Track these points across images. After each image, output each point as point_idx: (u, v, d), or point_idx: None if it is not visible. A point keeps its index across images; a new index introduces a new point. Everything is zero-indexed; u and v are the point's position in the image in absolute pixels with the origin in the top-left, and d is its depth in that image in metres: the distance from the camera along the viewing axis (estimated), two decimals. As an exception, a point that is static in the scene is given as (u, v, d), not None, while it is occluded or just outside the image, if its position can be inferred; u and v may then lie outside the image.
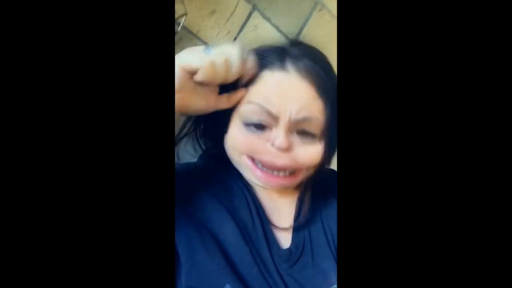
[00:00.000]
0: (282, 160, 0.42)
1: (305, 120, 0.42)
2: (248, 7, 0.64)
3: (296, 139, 0.43)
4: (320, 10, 0.75)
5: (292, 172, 0.45)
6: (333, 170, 0.58)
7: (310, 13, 0.74)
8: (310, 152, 0.43)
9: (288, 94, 0.41)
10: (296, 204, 0.49)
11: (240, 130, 0.43)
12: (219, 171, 0.50)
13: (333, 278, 0.44)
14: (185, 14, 0.52)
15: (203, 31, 0.60)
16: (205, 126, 0.51)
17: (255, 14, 0.65)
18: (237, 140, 0.44)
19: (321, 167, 0.46)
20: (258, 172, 0.44)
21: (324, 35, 0.76)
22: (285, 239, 0.47)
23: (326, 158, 0.45)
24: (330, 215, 0.49)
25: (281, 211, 0.49)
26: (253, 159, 0.44)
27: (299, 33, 0.72)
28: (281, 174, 0.44)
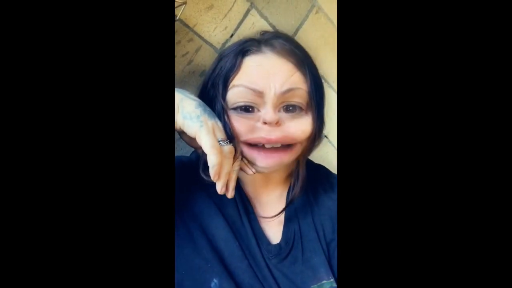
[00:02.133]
0: (275, 134, 0.43)
1: (289, 91, 0.43)
2: (246, 5, 0.64)
3: (284, 115, 0.44)
4: (316, 13, 0.76)
5: (288, 145, 0.45)
6: (322, 166, 0.59)
7: (307, 15, 0.74)
8: (300, 125, 0.45)
9: (269, 72, 0.43)
10: (286, 196, 0.50)
11: (232, 116, 0.44)
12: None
13: (323, 273, 0.45)
14: (185, 2, 0.51)
15: (200, 25, 0.60)
16: None
17: (253, 12, 0.65)
18: (231, 126, 0.44)
19: (313, 139, 0.47)
20: (255, 153, 0.44)
21: (319, 36, 0.77)
22: (275, 235, 0.48)
23: (316, 129, 0.46)
24: (322, 211, 0.50)
25: (271, 205, 0.50)
26: (248, 143, 0.44)
27: (295, 33, 0.73)
28: (278, 147, 0.44)
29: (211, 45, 0.61)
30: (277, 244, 0.46)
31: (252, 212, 0.48)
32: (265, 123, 0.42)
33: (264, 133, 0.43)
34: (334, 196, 0.52)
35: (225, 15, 0.62)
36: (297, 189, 0.47)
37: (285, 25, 0.71)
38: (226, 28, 0.62)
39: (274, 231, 0.48)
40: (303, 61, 0.45)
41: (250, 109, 0.44)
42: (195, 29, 0.59)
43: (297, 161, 0.48)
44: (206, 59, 0.61)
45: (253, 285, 0.42)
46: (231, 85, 0.44)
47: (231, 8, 0.62)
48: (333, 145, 0.88)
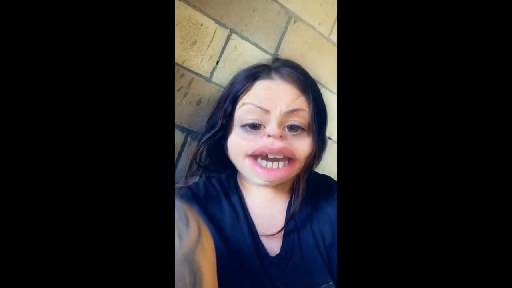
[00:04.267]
0: (277, 145, 0.47)
1: (294, 111, 0.48)
2: (226, 32, 0.69)
3: (287, 133, 0.49)
4: (295, 23, 0.80)
5: (288, 161, 0.49)
6: (326, 176, 0.62)
7: (286, 27, 0.79)
8: (301, 144, 0.49)
9: (276, 94, 0.49)
10: (287, 210, 0.53)
11: (239, 134, 0.50)
12: (215, 190, 0.54)
13: (321, 278, 0.46)
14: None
15: (188, 60, 0.65)
16: (208, 146, 0.56)
17: (233, 36, 0.70)
18: (237, 142, 0.50)
19: (313, 159, 0.51)
20: (258, 169, 0.48)
21: (302, 43, 0.81)
22: (275, 247, 0.50)
23: (316, 149, 0.50)
24: (321, 217, 0.52)
25: (272, 220, 0.52)
26: (254, 159, 0.49)
27: (278, 46, 0.77)
28: (280, 165, 0.49)
29: (201, 75, 0.67)
30: (277, 255, 0.49)
31: (255, 230, 0.51)
32: (269, 136, 0.47)
33: (268, 144, 0.47)
34: (334, 202, 0.54)
35: (208, 46, 0.67)
36: (296, 204, 0.51)
37: (267, 41, 0.75)
38: (211, 57, 0.68)
39: (274, 243, 0.50)
40: (307, 86, 0.51)
41: (257, 125, 0.49)
42: (184, 65, 0.65)
43: (298, 177, 0.52)
44: (199, 88, 0.66)
45: None
46: (240, 103, 0.50)
47: (212, 38, 0.68)
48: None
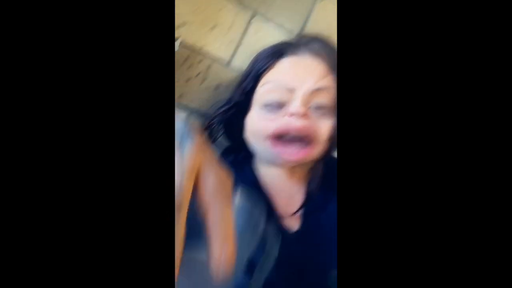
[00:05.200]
0: (300, 122, 0.45)
1: (320, 89, 0.45)
2: (248, 13, 0.67)
3: (311, 112, 0.46)
4: (322, 1, 0.75)
5: (309, 143, 0.47)
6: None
7: (312, 6, 0.74)
8: (324, 125, 0.47)
9: (303, 71, 0.46)
10: (304, 192, 0.52)
11: (259, 114, 0.48)
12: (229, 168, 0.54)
13: (335, 262, 0.44)
14: (178, 37, 0.57)
15: (207, 45, 0.65)
16: (225, 127, 0.55)
17: (254, 19, 0.68)
18: (257, 123, 0.48)
19: (334, 142, 0.48)
20: (279, 149, 0.46)
21: (329, 24, 0.76)
22: (293, 224, 0.49)
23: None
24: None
25: (289, 201, 0.52)
26: (274, 140, 0.47)
27: (304, 27, 0.74)
28: (301, 147, 0.46)
29: (219, 60, 0.66)
30: (294, 232, 0.48)
31: (273, 212, 0.50)
32: (292, 114, 0.45)
33: (291, 122, 0.45)
34: None
35: (229, 29, 0.66)
36: (313, 186, 0.50)
37: (292, 22, 0.72)
38: (231, 41, 0.66)
39: (292, 222, 0.50)
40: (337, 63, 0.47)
41: (280, 105, 0.47)
42: (203, 49, 0.64)
43: (316, 160, 0.50)
44: (218, 73, 0.66)
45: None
46: (262, 82, 0.48)
47: (233, 22, 0.66)
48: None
